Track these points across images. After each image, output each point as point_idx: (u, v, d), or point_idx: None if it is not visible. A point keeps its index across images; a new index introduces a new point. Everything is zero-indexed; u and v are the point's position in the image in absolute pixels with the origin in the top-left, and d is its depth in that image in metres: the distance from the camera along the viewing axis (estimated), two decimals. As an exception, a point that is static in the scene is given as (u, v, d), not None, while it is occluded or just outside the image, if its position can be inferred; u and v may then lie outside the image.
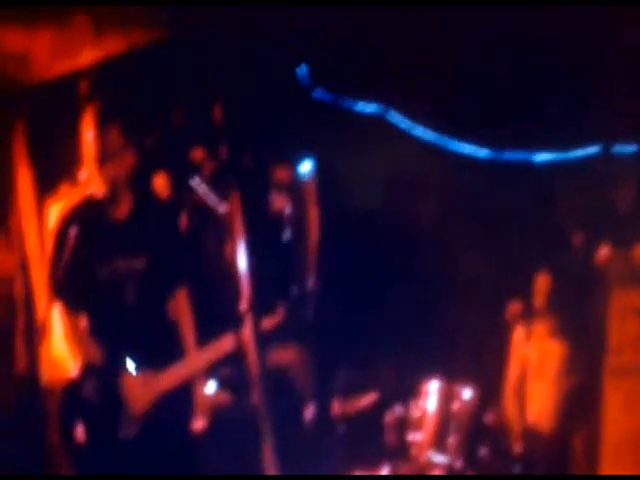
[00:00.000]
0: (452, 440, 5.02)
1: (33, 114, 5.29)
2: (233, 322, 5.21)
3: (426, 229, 5.22)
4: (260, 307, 5.21)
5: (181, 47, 5.09)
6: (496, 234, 5.11)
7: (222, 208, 5.20)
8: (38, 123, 5.32)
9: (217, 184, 5.23)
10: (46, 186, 5.38)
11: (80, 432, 5.15)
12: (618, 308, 4.76)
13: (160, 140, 5.21)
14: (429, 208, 5.25)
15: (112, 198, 5.21)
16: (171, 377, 5.07)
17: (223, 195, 5.24)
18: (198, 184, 5.16)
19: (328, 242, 5.25)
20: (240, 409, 5.11)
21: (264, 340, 5.12)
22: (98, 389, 5.20)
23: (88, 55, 5.20)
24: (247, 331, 5.10)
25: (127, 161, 5.21)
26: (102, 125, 5.07)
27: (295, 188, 5.27)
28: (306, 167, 5.25)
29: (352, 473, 5.03)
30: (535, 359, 5.11)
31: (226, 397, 5.18)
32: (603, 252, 4.95)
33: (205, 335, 5.21)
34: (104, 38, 5.21)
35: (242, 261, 5.24)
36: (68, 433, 5.22)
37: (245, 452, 5.09)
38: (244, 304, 5.13)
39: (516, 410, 5.13)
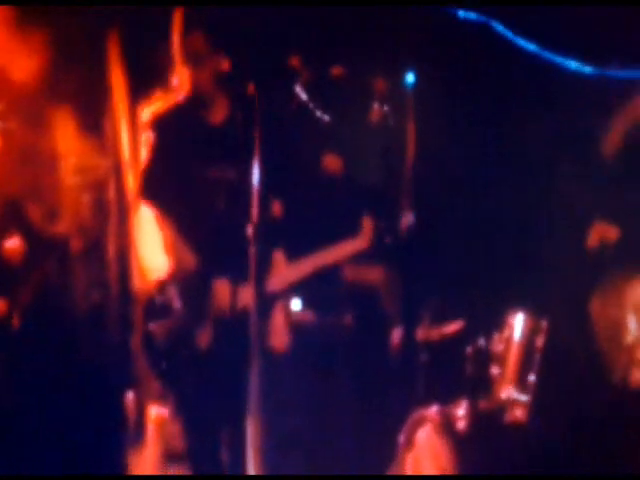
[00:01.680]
0: (534, 378, 4.74)
1: (127, 19, 5.22)
2: (324, 238, 5.04)
3: (528, 151, 4.88)
4: (352, 224, 5.03)
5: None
6: (592, 160, 4.74)
7: (324, 116, 5.02)
8: (132, 28, 5.25)
9: (315, 92, 5.04)
10: (140, 91, 5.32)
11: (160, 340, 5.12)
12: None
13: (253, 46, 5.05)
14: (529, 128, 4.89)
15: (205, 103, 5.13)
16: (262, 287, 4.96)
17: (322, 104, 5.06)
18: (298, 91, 4.98)
19: (423, 159, 5.01)
20: (325, 329, 4.98)
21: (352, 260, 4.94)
22: (185, 295, 5.17)
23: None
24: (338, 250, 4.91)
25: (220, 66, 5.08)
26: (190, 28, 4.96)
27: (394, 100, 5.04)
28: (407, 78, 5.01)
29: (432, 404, 4.84)
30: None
31: (311, 315, 5.06)
32: None
33: (295, 250, 5.07)
34: None
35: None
36: (150, 340, 5.19)
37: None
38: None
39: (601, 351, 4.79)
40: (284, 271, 5.07)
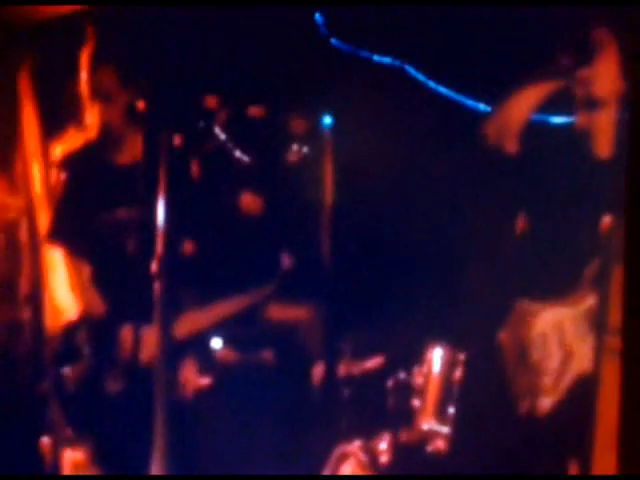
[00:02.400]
0: (453, 410, 4.85)
1: (40, 53, 5.25)
2: (242, 278, 5.04)
3: (442, 187, 5.02)
4: (271, 263, 5.05)
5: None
6: (505, 197, 4.90)
7: (238, 156, 5.02)
8: (44, 64, 5.26)
9: (231, 133, 5.05)
10: (52, 128, 5.29)
11: (71, 380, 5.07)
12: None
13: (167, 85, 5.04)
14: (444, 165, 5.04)
15: (117, 142, 5.08)
16: (168, 332, 4.93)
17: (236, 144, 5.06)
18: (213, 131, 4.99)
19: (343, 198, 5.07)
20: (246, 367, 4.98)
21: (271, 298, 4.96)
22: (94, 338, 5.11)
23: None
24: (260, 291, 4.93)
25: (133, 104, 5.06)
26: (99, 63, 4.93)
27: (312, 140, 5.09)
28: (323, 119, 5.07)
29: (352, 439, 4.89)
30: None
31: (232, 354, 5.05)
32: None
33: (210, 292, 5.05)
34: None
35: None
36: (60, 380, 5.13)
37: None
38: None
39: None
40: (193, 316, 5.05)
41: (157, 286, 4.82)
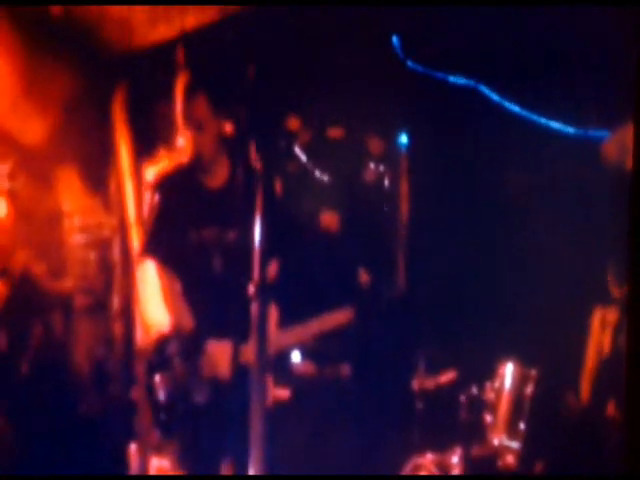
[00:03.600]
0: (524, 425, 4.86)
1: (133, 79, 5.39)
2: (319, 297, 5.14)
3: (514, 207, 5.07)
4: (349, 280, 5.13)
5: (274, 15, 5.08)
6: (577, 214, 4.92)
7: (320, 176, 5.13)
8: (138, 88, 5.40)
9: (312, 153, 5.17)
10: (144, 150, 5.44)
11: (161, 392, 5.22)
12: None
13: (252, 109, 5.20)
14: (518, 184, 5.09)
15: (208, 164, 5.22)
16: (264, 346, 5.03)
17: (318, 164, 5.18)
18: (295, 152, 5.11)
19: (418, 216, 5.15)
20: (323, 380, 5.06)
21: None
22: (184, 352, 5.26)
23: (185, 22, 5.24)
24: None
25: (219, 130, 5.22)
26: (193, 92, 5.09)
27: (389, 160, 5.17)
28: (400, 139, 5.16)
29: (425, 452, 4.94)
30: (609, 346, 4.88)
31: (310, 367, 5.15)
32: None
33: (289, 311, 5.17)
34: (201, 6, 5.25)
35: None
36: (152, 392, 5.30)
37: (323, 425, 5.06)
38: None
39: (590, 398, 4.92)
40: (274, 337, 5.15)
41: (254, 307, 4.91)
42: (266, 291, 4.86)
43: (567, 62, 4.78)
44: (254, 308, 4.87)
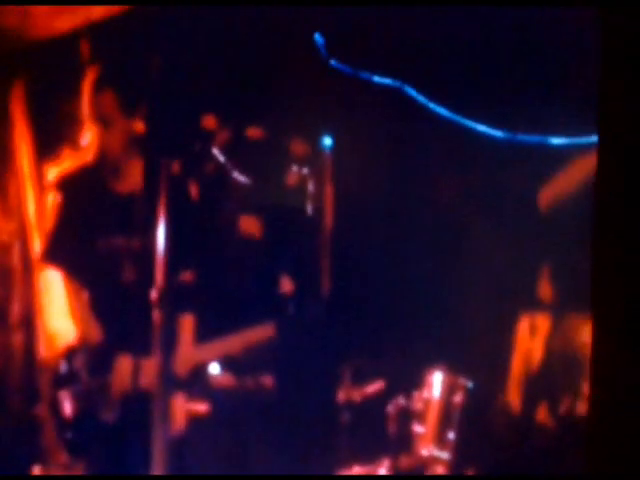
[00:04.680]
0: (453, 435, 4.79)
1: (33, 73, 5.07)
2: (238, 303, 4.95)
3: (441, 211, 4.98)
4: (272, 289, 4.95)
5: (191, 6, 4.85)
6: (507, 219, 4.87)
7: (238, 178, 4.92)
8: (38, 83, 5.09)
9: (230, 154, 4.97)
10: (46, 149, 5.14)
11: (68, 408, 4.96)
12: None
13: (164, 108, 4.97)
14: (445, 188, 5.00)
15: (115, 164, 4.97)
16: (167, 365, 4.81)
17: (235, 166, 4.97)
18: (212, 152, 4.90)
19: (342, 220, 5.01)
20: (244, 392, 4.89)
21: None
22: (91, 365, 5.00)
23: (89, 13, 4.96)
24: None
25: (129, 128, 4.97)
26: (100, 88, 4.83)
27: (312, 163, 5.02)
28: (323, 141, 5.00)
29: (353, 465, 4.82)
30: (539, 352, 4.86)
31: (230, 379, 4.96)
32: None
33: (206, 318, 4.95)
34: None
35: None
36: (57, 408, 5.03)
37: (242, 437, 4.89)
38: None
39: (519, 405, 4.88)
40: (191, 351, 4.94)
41: (157, 315, 4.69)
42: (172, 297, 4.65)
43: (498, 63, 4.71)
44: (156, 315, 4.65)
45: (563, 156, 4.75)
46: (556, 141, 4.74)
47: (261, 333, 4.68)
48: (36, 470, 5.08)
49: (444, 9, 4.54)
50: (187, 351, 4.80)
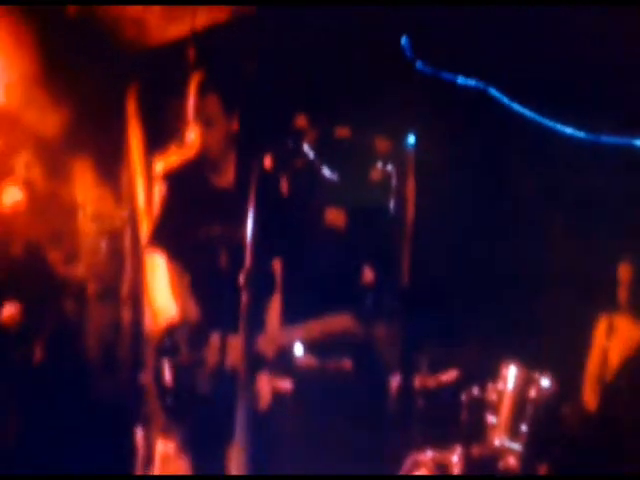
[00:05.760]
0: (526, 428, 4.24)
1: (146, 76, 4.44)
2: (322, 293, 4.56)
3: (520, 210, 4.44)
4: (354, 278, 4.57)
5: (286, 15, 4.45)
6: (587, 219, 4.29)
7: (325, 173, 4.56)
8: (151, 85, 4.49)
9: (319, 152, 4.60)
10: (155, 145, 4.48)
11: (168, 377, 4.73)
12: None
13: (263, 106, 4.61)
14: (525, 188, 4.43)
15: (215, 160, 4.68)
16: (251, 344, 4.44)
17: (328, 162, 4.62)
18: (304, 150, 4.53)
19: (424, 215, 4.59)
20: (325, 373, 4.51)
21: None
22: (188, 341, 4.75)
23: (198, 21, 4.61)
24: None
25: (229, 128, 4.66)
26: (205, 90, 4.57)
27: (395, 160, 4.63)
28: (407, 139, 4.58)
29: (425, 451, 4.33)
30: (617, 352, 4.30)
31: (312, 360, 4.60)
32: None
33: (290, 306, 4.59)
34: (214, 6, 4.62)
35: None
36: (159, 376, 4.82)
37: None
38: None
39: (595, 403, 4.33)
40: (275, 332, 4.63)
41: (244, 297, 4.37)
42: (259, 282, 4.34)
43: (581, 67, 4.10)
44: (244, 297, 4.39)
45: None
46: (640, 142, 4.05)
47: (339, 321, 4.30)
48: (139, 432, 4.49)
49: (528, 9, 3.93)
50: (272, 332, 4.47)
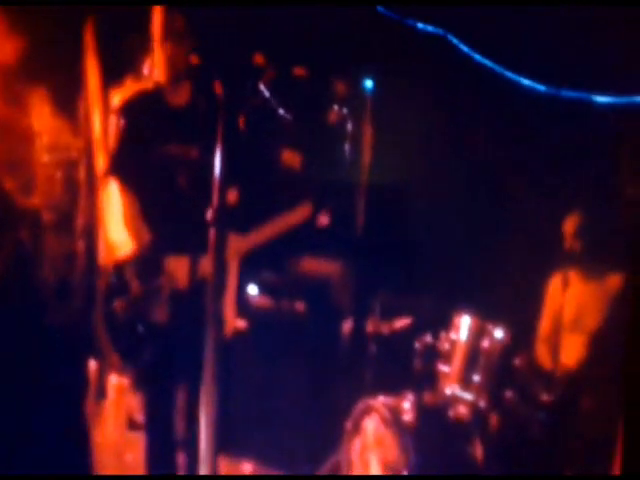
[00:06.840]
0: (478, 378, 3.64)
1: (105, 7, 3.97)
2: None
3: (476, 160, 3.73)
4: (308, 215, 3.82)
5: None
6: (542, 173, 3.61)
7: (285, 114, 3.77)
8: (108, 15, 4.02)
9: (275, 91, 3.80)
10: (112, 76, 4.05)
11: (120, 312, 3.96)
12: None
13: (221, 42, 3.75)
14: (481, 138, 3.71)
15: (172, 84, 3.79)
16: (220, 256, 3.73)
17: (284, 102, 3.82)
18: (259, 87, 3.74)
19: (379, 158, 3.84)
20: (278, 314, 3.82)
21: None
22: (142, 271, 3.97)
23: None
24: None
25: (187, 48, 3.69)
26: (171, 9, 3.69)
27: (352, 104, 3.85)
28: (365, 83, 3.79)
29: (378, 394, 3.69)
30: (570, 307, 3.70)
31: (266, 300, 3.88)
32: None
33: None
34: None
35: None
36: (110, 312, 4.03)
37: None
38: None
39: (546, 356, 3.75)
40: (237, 243, 3.91)
41: (212, 232, 3.63)
42: (224, 217, 3.57)
43: (544, 19, 3.34)
44: (212, 233, 3.60)
45: (606, 114, 3.36)
46: (600, 99, 3.34)
47: (300, 211, 3.60)
48: (92, 364, 4.02)
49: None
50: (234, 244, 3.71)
